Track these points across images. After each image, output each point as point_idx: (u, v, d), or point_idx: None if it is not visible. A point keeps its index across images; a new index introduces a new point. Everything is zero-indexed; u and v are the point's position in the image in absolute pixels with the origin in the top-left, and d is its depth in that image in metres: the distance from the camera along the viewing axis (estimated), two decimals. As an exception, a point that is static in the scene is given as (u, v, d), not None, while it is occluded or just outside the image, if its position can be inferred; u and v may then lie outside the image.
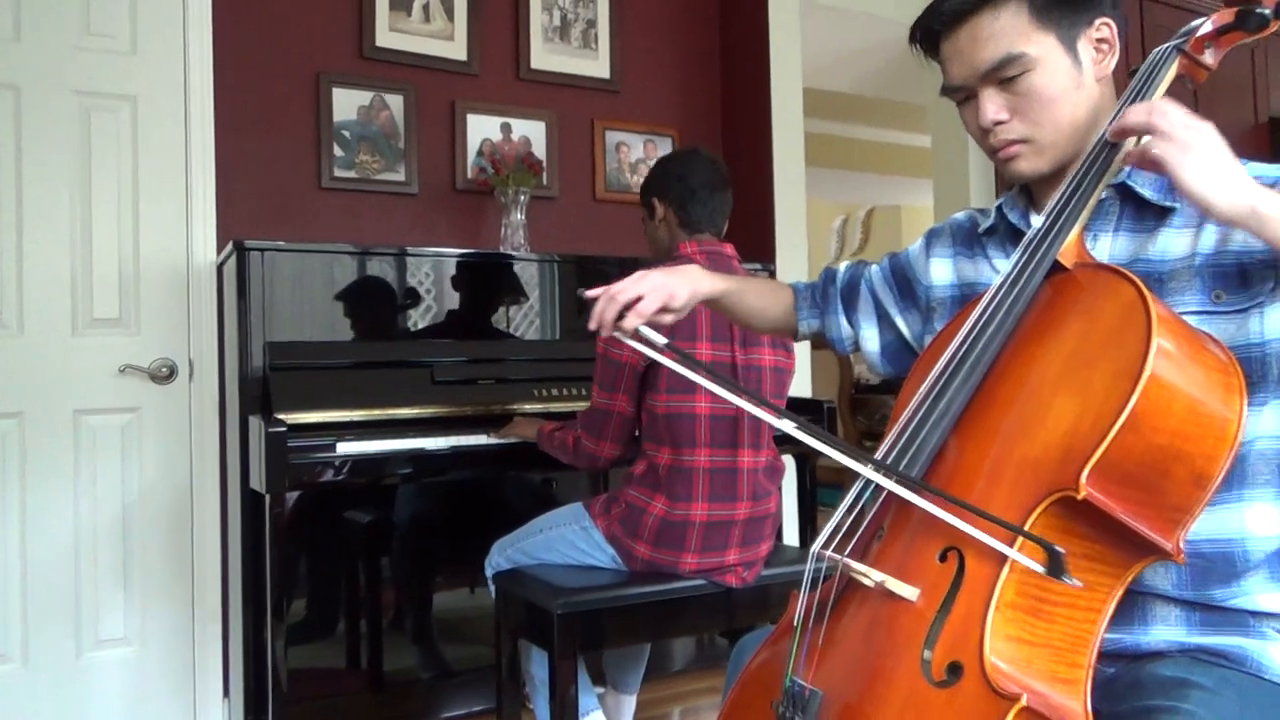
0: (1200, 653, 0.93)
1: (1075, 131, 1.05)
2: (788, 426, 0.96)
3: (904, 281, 1.30)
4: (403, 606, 2.57)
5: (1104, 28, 1.05)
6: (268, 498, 2.01)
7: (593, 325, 1.15)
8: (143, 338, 2.50)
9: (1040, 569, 0.79)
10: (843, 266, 1.39)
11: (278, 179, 2.69)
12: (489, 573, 2.12)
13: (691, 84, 3.36)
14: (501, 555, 2.09)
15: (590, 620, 1.86)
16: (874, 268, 1.35)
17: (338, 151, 2.75)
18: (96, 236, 2.45)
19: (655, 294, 1.16)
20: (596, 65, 3.15)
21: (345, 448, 2.05)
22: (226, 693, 2.55)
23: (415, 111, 2.85)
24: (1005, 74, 1.04)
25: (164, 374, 2.50)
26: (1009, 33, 1.03)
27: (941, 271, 1.23)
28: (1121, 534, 0.82)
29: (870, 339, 1.33)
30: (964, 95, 1.09)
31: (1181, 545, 0.82)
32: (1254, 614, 0.95)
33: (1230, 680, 0.90)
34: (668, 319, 1.20)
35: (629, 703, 2.30)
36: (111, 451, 2.45)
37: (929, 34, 1.11)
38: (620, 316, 1.14)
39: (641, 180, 2.31)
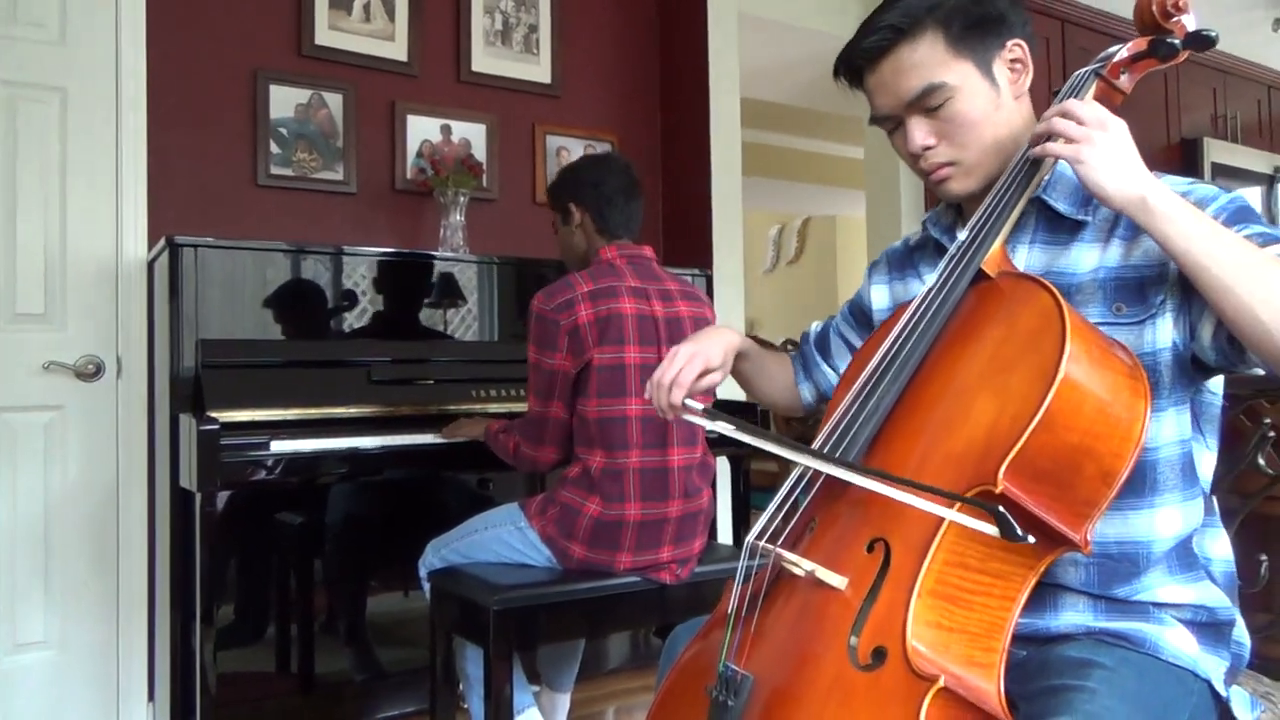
0: (1104, 635, 0.99)
1: (999, 149, 1.10)
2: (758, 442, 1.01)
3: (861, 315, 1.36)
4: (335, 608, 2.55)
5: (1016, 49, 1.10)
6: (198, 497, 1.98)
7: (660, 414, 1.19)
8: (69, 334, 2.44)
9: (994, 531, 0.81)
10: (814, 325, 1.45)
11: (212, 175, 2.65)
12: (423, 572, 2.11)
13: (631, 91, 3.40)
14: (436, 555, 2.09)
15: (526, 617, 1.87)
16: (838, 315, 1.42)
17: (274, 149, 2.72)
18: (21, 230, 2.39)
19: (694, 361, 1.19)
20: (538, 70, 3.17)
21: (279, 446, 2.03)
22: (151, 697, 2.50)
23: (354, 111, 2.84)
24: (929, 102, 1.09)
25: (90, 371, 2.45)
26: (928, 63, 1.08)
27: (880, 297, 1.30)
28: (1035, 526, 0.87)
29: None
30: (892, 125, 1.14)
31: (1089, 537, 0.88)
32: (1154, 604, 1.01)
33: (1129, 660, 0.96)
34: (716, 379, 1.23)
35: (563, 701, 2.32)
36: (33, 450, 2.39)
37: (852, 69, 1.15)
38: (670, 391, 1.17)
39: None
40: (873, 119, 1.16)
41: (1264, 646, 1.30)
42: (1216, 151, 4.26)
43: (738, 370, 1.36)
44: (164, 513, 2.41)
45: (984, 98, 1.09)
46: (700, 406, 1.14)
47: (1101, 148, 0.95)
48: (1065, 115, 0.98)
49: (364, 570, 2.60)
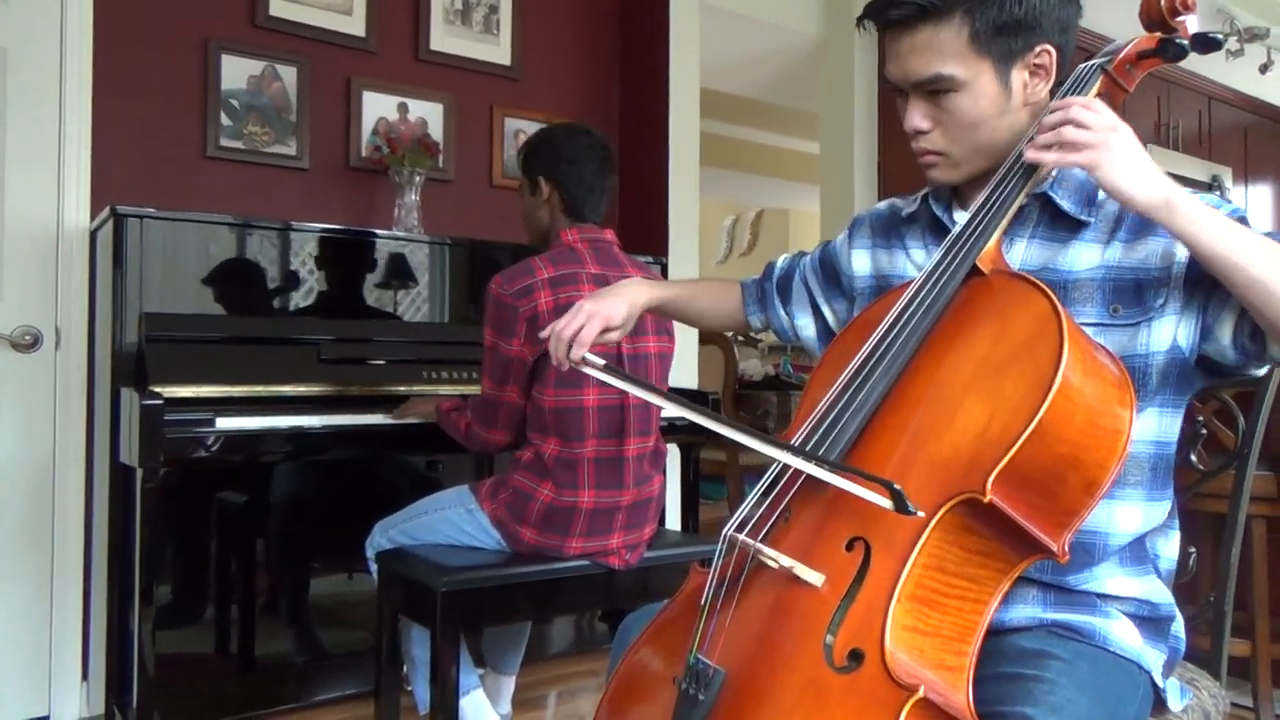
0: (1056, 627, 1.01)
1: (992, 152, 1.08)
2: (729, 431, 1.01)
3: (830, 270, 1.33)
4: (278, 589, 2.51)
5: (1044, 54, 1.06)
6: (139, 474, 1.94)
7: (556, 364, 1.22)
8: (4, 303, 2.35)
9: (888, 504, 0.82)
10: (781, 259, 1.42)
11: (159, 145, 2.58)
12: (370, 553, 2.09)
13: (591, 77, 3.39)
14: (384, 536, 2.07)
15: (474, 598, 1.86)
16: (807, 257, 1.38)
17: (225, 120, 2.66)
18: (-44, 193, 2.30)
19: (594, 320, 1.21)
20: (498, 51, 3.14)
21: (225, 423, 2.00)
22: (85, 677, 2.44)
23: (309, 85, 2.78)
24: (934, 88, 1.06)
25: (27, 342, 2.37)
26: (945, 51, 1.04)
27: (861, 262, 1.27)
28: (1016, 534, 0.86)
29: (805, 327, 1.36)
30: (899, 91, 1.11)
31: (1066, 547, 0.87)
32: (1101, 596, 1.03)
33: (1082, 653, 0.98)
34: (615, 336, 1.25)
35: (508, 683, 2.31)
36: (-35, 422, 2.32)
37: (876, 24, 1.11)
38: (570, 348, 1.20)
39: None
40: (883, 77, 1.13)
41: (1191, 637, 1.34)
42: (1159, 159, 4.34)
43: (662, 312, 1.37)
44: (102, 489, 2.36)
45: (990, 100, 1.06)
46: (601, 362, 1.16)
47: (1117, 152, 0.92)
48: (1072, 123, 0.95)
49: (308, 551, 2.56)
